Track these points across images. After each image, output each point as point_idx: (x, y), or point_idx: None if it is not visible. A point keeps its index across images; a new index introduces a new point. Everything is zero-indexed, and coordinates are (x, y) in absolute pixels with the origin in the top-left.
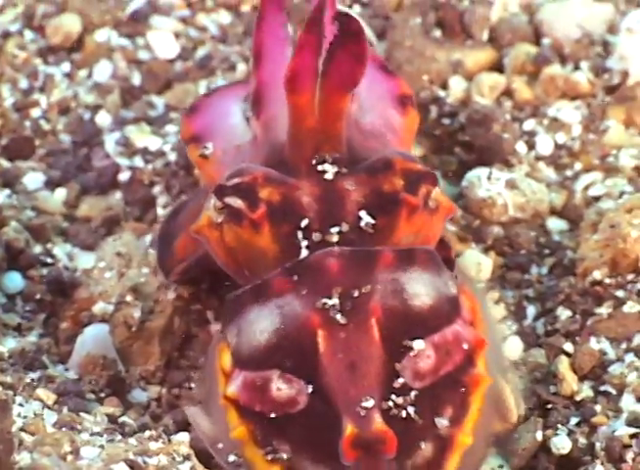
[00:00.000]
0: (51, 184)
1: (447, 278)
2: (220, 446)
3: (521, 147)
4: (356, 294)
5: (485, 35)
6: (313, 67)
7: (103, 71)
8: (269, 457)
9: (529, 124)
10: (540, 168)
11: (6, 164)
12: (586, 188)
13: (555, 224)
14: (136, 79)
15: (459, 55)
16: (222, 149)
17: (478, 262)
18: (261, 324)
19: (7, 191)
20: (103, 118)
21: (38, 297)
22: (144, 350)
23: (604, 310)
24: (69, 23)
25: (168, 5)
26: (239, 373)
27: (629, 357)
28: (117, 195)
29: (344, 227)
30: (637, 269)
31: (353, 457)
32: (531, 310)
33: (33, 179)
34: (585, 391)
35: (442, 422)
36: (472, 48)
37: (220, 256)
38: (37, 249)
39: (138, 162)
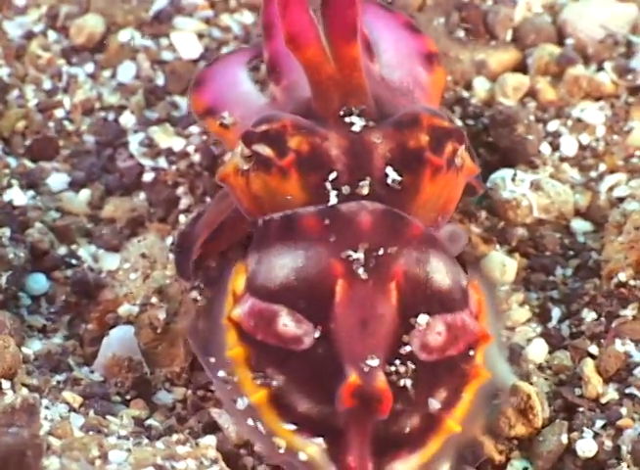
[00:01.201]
0: (75, 185)
1: (460, 268)
2: (212, 360)
3: (545, 148)
4: (382, 252)
5: (509, 36)
6: (307, 20)
7: (126, 72)
8: (258, 382)
9: (553, 125)
10: (564, 170)
11: (30, 164)
12: (611, 189)
13: (579, 226)
14: (160, 80)
15: (483, 55)
16: (240, 115)
17: (502, 264)
18: (283, 259)
19: (31, 192)
20: (127, 119)
21: (63, 298)
22: (169, 351)
23: (629, 312)
24: (93, 24)
25: (192, 5)
26: (248, 298)
27: None
28: (141, 196)
29: (372, 182)
30: None
31: (349, 405)
32: (556, 312)
33: (57, 180)
34: (611, 393)
35: (434, 403)
36: (495, 48)
37: (245, 204)
38: (62, 250)
39: (162, 162)
